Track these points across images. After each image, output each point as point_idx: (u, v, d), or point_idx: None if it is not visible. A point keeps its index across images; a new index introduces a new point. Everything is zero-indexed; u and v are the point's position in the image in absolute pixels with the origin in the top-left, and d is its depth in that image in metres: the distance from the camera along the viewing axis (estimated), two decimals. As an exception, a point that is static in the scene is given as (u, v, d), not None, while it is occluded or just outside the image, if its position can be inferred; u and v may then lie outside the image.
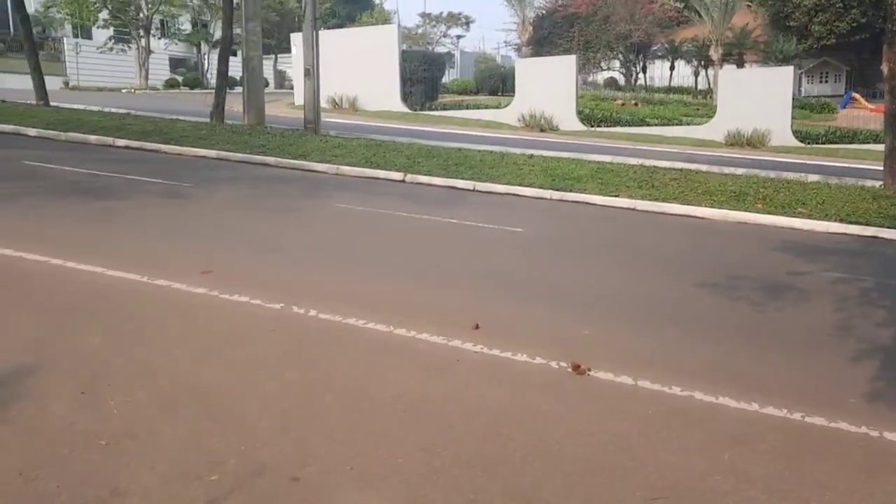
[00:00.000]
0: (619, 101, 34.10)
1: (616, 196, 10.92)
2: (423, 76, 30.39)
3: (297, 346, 4.42)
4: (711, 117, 26.94)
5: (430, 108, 29.86)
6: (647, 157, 15.97)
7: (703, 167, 14.72)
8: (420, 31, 63.42)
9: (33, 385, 3.61)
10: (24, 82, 22.11)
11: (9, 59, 35.10)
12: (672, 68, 50.92)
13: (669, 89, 46.23)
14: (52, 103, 19.52)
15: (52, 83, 24.99)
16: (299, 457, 3.11)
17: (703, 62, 47.02)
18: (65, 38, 39.78)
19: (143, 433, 3.22)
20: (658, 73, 54.19)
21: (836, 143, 24.90)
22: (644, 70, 51.25)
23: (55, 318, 4.58)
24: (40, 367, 3.83)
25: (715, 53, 39.61)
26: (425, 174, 12.15)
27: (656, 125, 27.51)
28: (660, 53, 51.01)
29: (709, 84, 45.49)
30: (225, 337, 4.50)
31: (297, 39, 26.90)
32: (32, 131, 14.77)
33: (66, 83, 36.43)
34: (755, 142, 24.25)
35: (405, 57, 29.87)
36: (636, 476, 3.14)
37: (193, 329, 4.58)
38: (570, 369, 4.27)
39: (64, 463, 2.95)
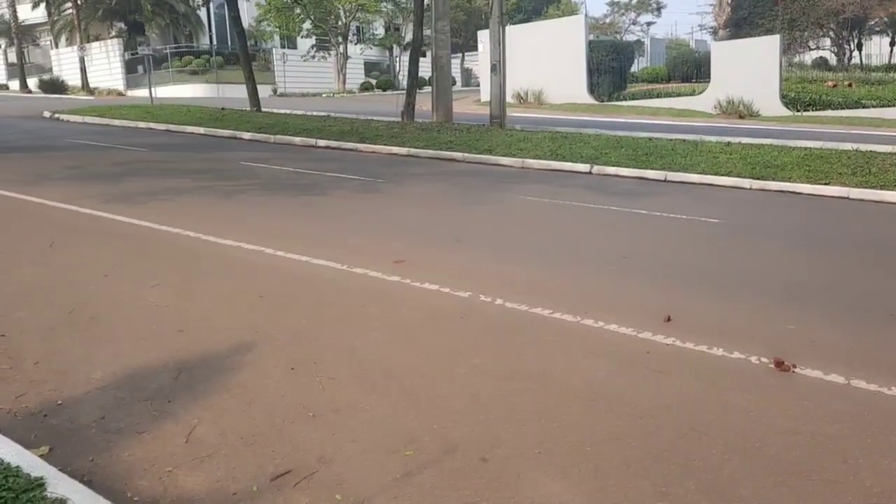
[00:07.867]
0: (831, 83, 31.21)
1: (826, 184, 10.06)
2: (610, 66, 29.66)
3: (485, 333, 4.51)
4: (941, 95, 23.96)
5: (619, 99, 29.06)
6: (863, 141, 14.52)
7: (932, 151, 13.12)
8: (608, 20, 62.01)
9: (250, 360, 3.99)
10: (241, 91, 24.37)
11: (227, 71, 38.77)
12: (893, 44, 45.80)
13: (889, 67, 41.59)
14: (263, 109, 21.39)
15: (263, 91, 27.30)
16: (488, 439, 3.18)
17: (931, 35, 41.90)
18: (273, 49, 43.23)
19: (345, 408, 3.44)
20: (876, 50, 48.89)
21: None
22: (859, 47, 46.49)
23: (268, 302, 5.02)
24: (257, 344, 4.22)
25: (946, 24, 35.13)
26: (613, 165, 11.90)
27: (874, 107, 24.87)
28: (878, 28, 46.06)
29: (938, 59, 40.47)
30: (417, 322, 4.69)
31: (483, 37, 27.36)
32: (247, 135, 16.28)
33: (275, 90, 39.61)
34: None
35: (592, 47, 29.33)
36: (848, 480, 2.88)
37: (388, 314, 4.82)
38: (771, 365, 4.00)
39: (278, 430, 3.23)
